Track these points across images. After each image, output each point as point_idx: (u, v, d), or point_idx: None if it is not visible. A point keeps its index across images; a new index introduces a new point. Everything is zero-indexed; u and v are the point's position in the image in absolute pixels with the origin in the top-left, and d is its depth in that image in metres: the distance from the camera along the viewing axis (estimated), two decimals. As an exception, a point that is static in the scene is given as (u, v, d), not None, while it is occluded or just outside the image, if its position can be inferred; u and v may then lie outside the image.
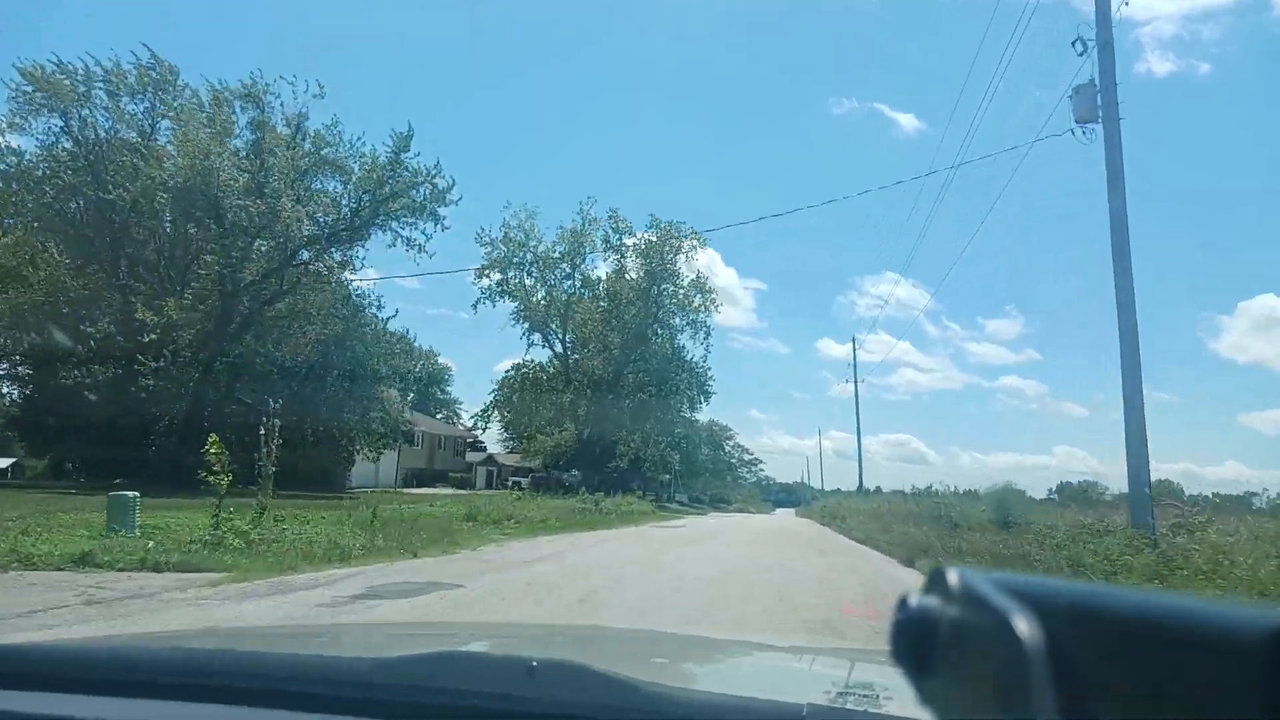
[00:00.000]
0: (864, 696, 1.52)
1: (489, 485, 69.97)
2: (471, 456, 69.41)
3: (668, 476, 74.12)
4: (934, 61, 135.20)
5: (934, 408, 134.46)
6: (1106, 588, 0.48)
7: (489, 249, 47.39)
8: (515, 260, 47.62)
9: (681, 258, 49.06)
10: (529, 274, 48.63)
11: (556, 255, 48.23)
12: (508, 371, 53.67)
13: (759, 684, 1.90)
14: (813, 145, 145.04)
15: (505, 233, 47.71)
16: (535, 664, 1.20)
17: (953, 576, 0.51)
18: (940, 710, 0.49)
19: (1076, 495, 27.79)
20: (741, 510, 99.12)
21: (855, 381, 54.98)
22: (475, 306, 48.70)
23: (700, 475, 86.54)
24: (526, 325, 49.57)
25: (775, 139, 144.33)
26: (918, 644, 0.50)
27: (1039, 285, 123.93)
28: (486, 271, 47.06)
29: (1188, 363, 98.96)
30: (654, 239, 48.00)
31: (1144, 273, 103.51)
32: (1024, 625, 0.44)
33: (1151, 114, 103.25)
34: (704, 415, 70.24)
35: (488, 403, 56.35)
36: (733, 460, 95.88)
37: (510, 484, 68.68)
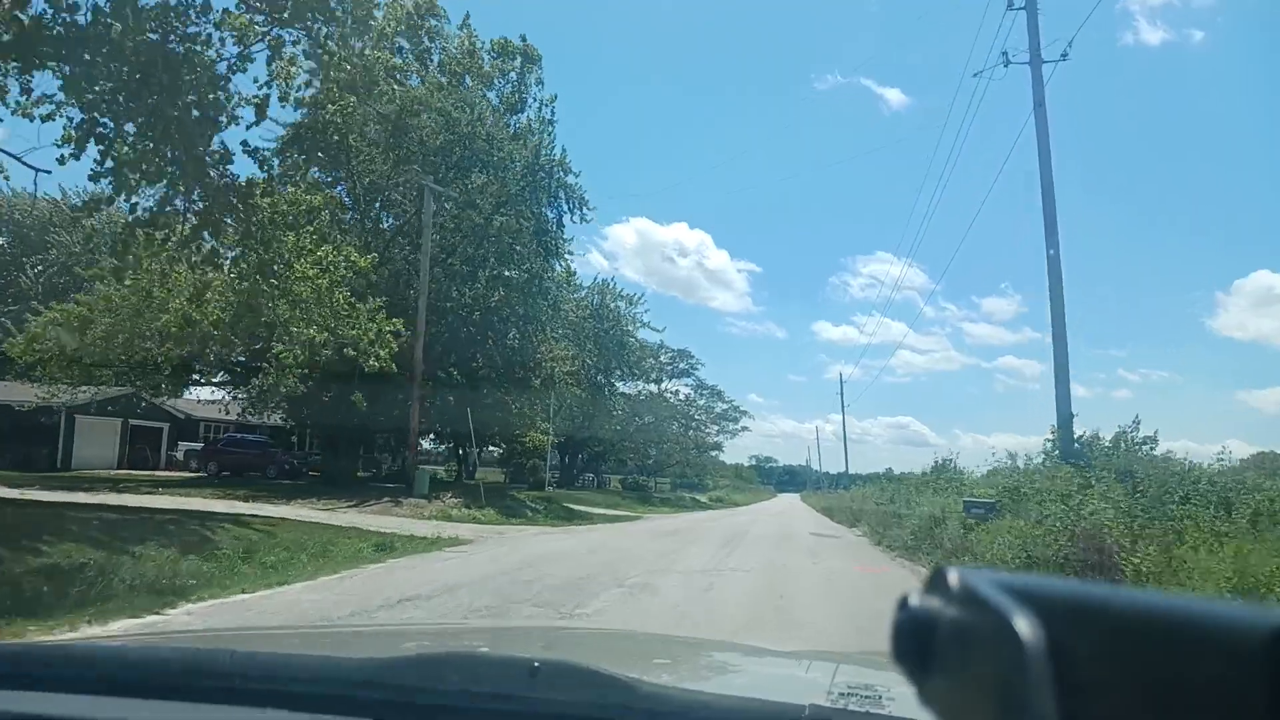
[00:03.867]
0: (865, 698, 1.51)
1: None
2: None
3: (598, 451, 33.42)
4: (919, 36, 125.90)
5: (933, 389, 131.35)
6: (1107, 587, 0.46)
7: None
8: None
9: None
10: None
11: None
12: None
13: (761, 686, 1.89)
14: (798, 122, 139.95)
15: None
16: (538, 664, 1.20)
17: (953, 576, 0.49)
18: (941, 710, 0.48)
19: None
20: (714, 502, 59.13)
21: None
22: None
23: (626, 440, 44.56)
24: None
25: (760, 116, 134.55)
26: (918, 644, 0.49)
27: (1034, 261, 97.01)
28: None
29: (1186, 341, 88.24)
30: None
31: (1140, 253, 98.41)
32: (1024, 625, 0.43)
33: (1140, 86, 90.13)
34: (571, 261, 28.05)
35: None
36: (693, 412, 52.46)
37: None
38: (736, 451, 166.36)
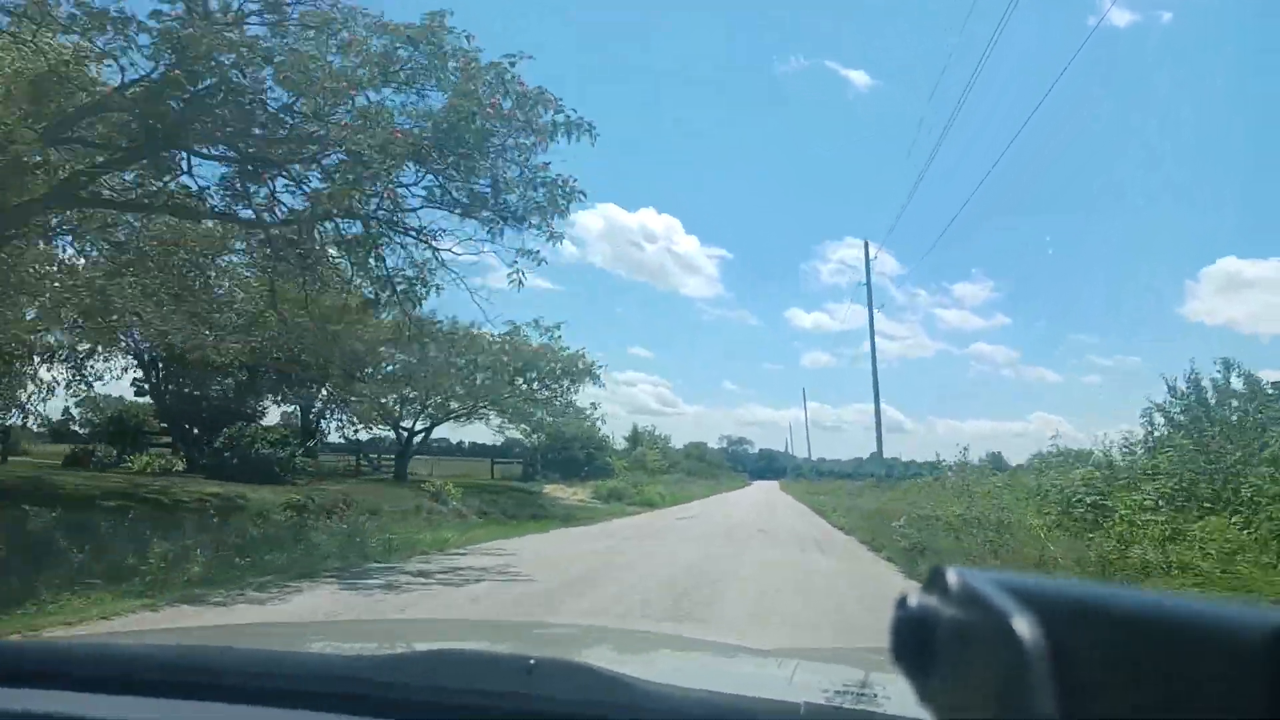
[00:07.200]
0: (861, 696, 1.49)
1: None
2: None
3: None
4: (883, 17, 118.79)
5: (907, 376, 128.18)
6: (1107, 587, 0.46)
7: None
8: None
9: None
10: None
11: None
12: None
13: (756, 683, 1.83)
14: (763, 105, 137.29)
15: None
16: (534, 662, 1.19)
17: (952, 576, 0.48)
18: (940, 710, 0.47)
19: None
20: (597, 505, 25.52)
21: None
22: None
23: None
24: None
25: (725, 99, 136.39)
26: (917, 643, 0.48)
27: (1005, 246, 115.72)
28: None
29: (1156, 327, 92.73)
30: None
31: (1112, 237, 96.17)
32: (1024, 625, 0.42)
33: (1109, 68, 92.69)
34: None
35: None
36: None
37: None
38: (690, 426, 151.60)
